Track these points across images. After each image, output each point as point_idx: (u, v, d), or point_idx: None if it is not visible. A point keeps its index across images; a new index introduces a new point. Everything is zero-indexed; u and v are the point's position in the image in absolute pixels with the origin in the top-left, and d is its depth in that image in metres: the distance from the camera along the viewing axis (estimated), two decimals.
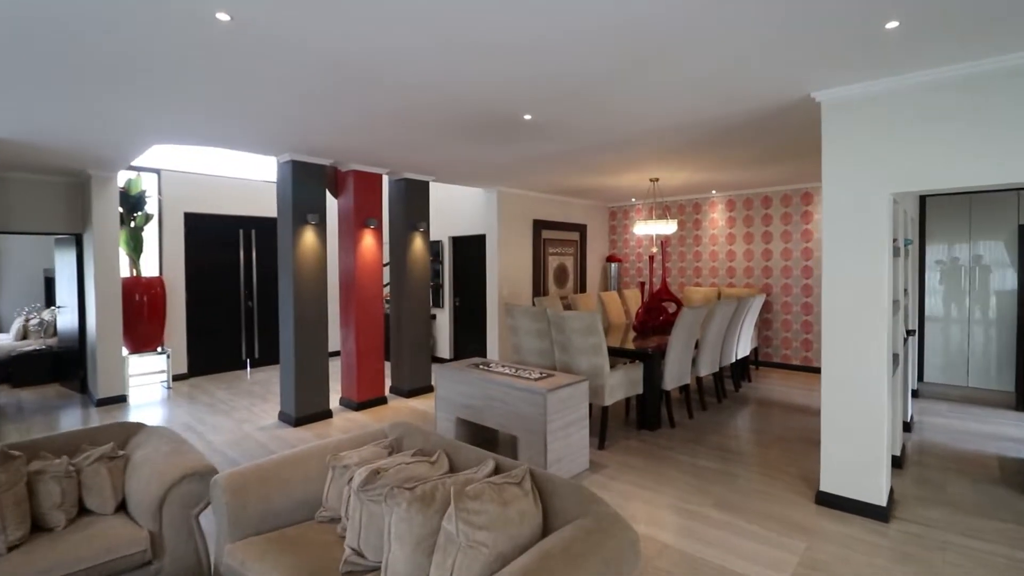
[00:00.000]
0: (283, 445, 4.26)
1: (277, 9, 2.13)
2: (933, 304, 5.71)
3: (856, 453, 3.04)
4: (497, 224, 7.00)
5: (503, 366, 4.09)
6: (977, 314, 5.48)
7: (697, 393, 5.34)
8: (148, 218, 6.35)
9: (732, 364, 5.76)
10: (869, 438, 3.00)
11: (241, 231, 7.37)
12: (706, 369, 5.06)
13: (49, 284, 8.10)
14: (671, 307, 5.94)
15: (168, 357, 6.35)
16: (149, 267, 6.66)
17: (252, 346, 7.47)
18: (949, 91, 2.73)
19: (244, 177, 7.36)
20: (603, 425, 4.17)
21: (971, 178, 2.69)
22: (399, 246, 5.88)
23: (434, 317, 7.98)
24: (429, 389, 6.08)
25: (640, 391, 4.53)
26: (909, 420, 4.40)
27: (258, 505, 2.13)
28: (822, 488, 3.17)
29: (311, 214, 4.85)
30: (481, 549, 1.54)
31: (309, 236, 4.89)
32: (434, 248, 7.85)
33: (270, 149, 4.59)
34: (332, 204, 6.07)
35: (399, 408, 5.41)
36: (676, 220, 6.37)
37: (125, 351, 6.06)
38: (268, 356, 7.64)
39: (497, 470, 1.98)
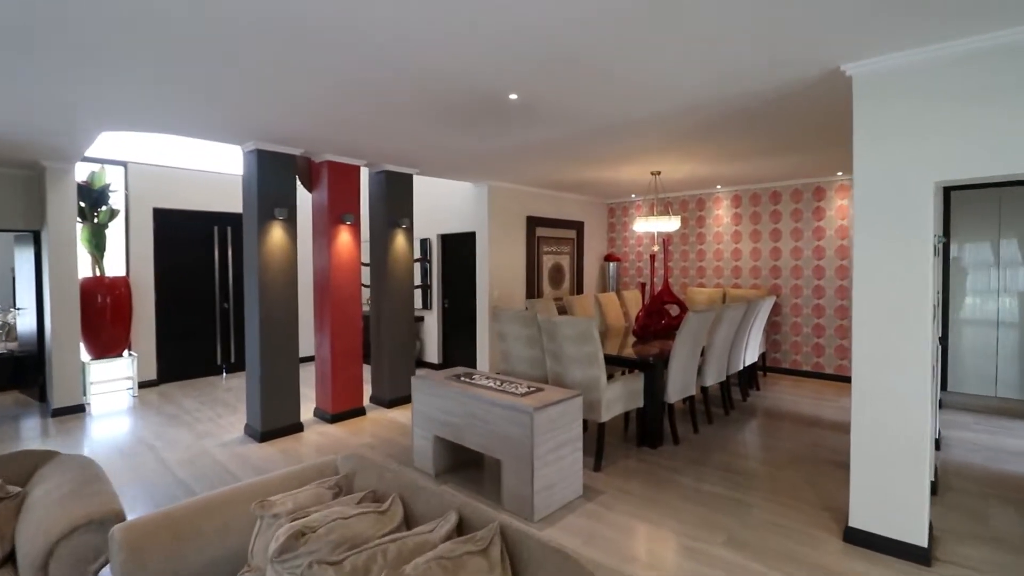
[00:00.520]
0: (242, 465, 3.82)
1: None
2: (957, 306, 5.28)
3: (892, 483, 2.62)
4: (488, 221, 6.55)
5: (487, 378, 3.65)
6: (1006, 317, 5.05)
7: (703, 404, 4.91)
8: (113, 214, 5.92)
9: (739, 371, 5.34)
10: (908, 466, 2.58)
11: (216, 228, 6.88)
12: (713, 379, 4.63)
13: (16, 284, 7.65)
14: (674, 309, 5.52)
15: (134, 362, 5.91)
16: (115, 266, 6.21)
17: (228, 351, 7.01)
18: (1010, 61, 2.30)
19: (219, 171, 6.84)
20: (599, 444, 3.74)
21: None
22: (380, 244, 5.44)
23: (421, 319, 7.53)
24: None
25: (640, 404, 4.10)
26: (938, 437, 3.98)
27: (164, 564, 1.70)
28: (851, 524, 2.74)
29: (279, 208, 4.41)
30: None
31: (277, 232, 4.46)
32: (422, 247, 7.40)
33: (232, 137, 4.16)
34: (306, 198, 5.58)
35: (378, 420, 4.97)
36: (679, 217, 5.94)
37: (86, 356, 5.63)
38: (245, 361, 7.16)
39: (462, 525, 1.56)
